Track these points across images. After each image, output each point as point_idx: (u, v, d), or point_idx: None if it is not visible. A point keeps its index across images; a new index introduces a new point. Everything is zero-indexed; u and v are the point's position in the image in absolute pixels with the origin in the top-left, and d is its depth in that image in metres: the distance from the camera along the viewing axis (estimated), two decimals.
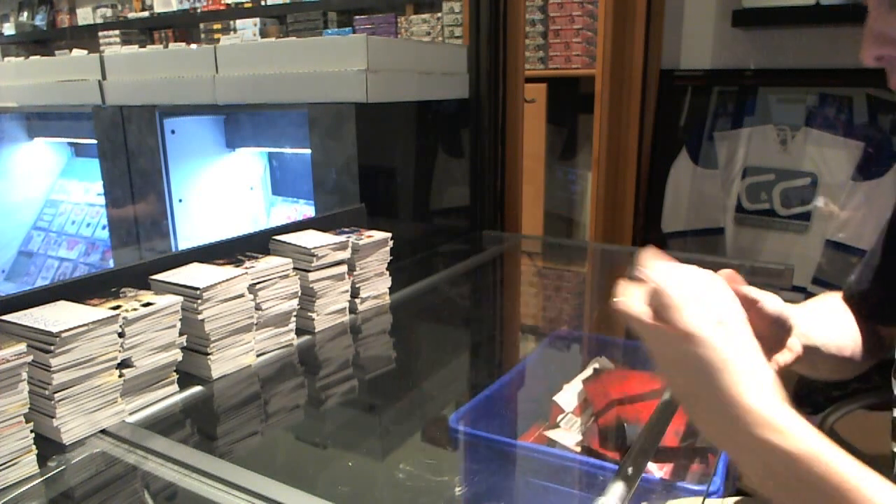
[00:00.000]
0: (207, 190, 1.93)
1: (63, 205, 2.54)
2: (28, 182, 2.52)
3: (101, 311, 0.82)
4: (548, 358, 1.22)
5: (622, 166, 1.97)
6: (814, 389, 0.97)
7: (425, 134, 1.68)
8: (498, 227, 1.93)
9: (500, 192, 1.92)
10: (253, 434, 0.90)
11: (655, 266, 0.61)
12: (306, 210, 1.98)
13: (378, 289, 1.27)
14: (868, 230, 1.72)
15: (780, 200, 1.84)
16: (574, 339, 1.32)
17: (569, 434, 0.93)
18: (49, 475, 0.75)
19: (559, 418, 0.96)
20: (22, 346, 0.73)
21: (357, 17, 3.46)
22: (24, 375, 0.73)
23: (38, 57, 2.96)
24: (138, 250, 1.93)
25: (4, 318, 0.79)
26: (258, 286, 1.01)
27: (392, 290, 1.30)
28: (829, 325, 0.80)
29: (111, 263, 2.25)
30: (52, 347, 0.75)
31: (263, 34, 3.70)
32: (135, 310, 0.85)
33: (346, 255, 1.17)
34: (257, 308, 1.02)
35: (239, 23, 3.83)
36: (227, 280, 0.96)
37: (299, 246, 1.12)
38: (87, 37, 4.49)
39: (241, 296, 0.98)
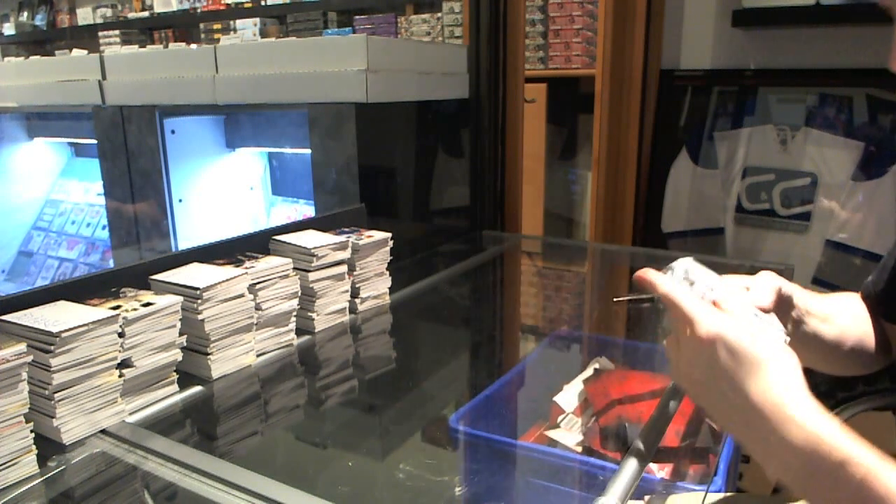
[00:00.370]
0: (207, 190, 1.93)
1: (63, 205, 2.54)
2: (28, 182, 2.52)
3: (101, 311, 0.82)
4: (548, 358, 1.22)
5: (622, 166, 1.97)
6: (819, 392, 0.98)
7: (425, 134, 1.68)
8: (498, 227, 1.93)
9: (500, 192, 1.92)
10: (253, 434, 0.90)
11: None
12: (306, 210, 1.98)
13: (378, 289, 1.27)
14: (868, 230, 1.72)
15: (780, 200, 1.84)
16: (574, 339, 1.32)
17: (569, 434, 0.93)
18: (49, 475, 0.75)
19: (559, 418, 0.96)
20: (22, 346, 0.73)
21: (357, 17, 3.46)
22: (24, 375, 0.73)
23: (38, 57, 2.96)
24: (138, 250, 1.93)
25: (4, 318, 0.79)
26: (258, 286, 1.01)
27: (392, 290, 1.30)
28: (835, 306, 0.82)
29: (111, 263, 2.25)
30: (52, 347, 0.75)
31: (263, 34, 3.70)
32: (135, 310, 0.85)
33: (346, 255, 1.17)
34: (257, 308, 1.01)
35: (239, 23, 3.83)
36: (227, 280, 0.96)
37: (299, 246, 1.11)
38: (87, 37, 4.48)
39: (241, 296, 0.98)
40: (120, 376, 0.83)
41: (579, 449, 0.89)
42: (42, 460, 0.76)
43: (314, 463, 0.88)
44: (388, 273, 1.28)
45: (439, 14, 3.19)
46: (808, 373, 0.59)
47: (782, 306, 0.71)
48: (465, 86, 1.81)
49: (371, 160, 1.46)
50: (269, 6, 3.74)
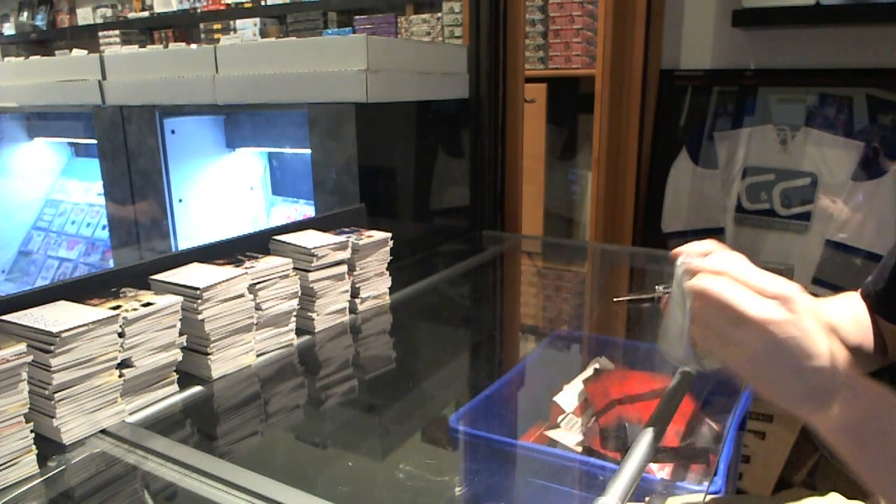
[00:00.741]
0: (207, 190, 1.93)
1: (63, 205, 2.54)
2: (28, 182, 2.52)
3: (101, 311, 0.82)
4: (548, 358, 1.22)
5: (622, 166, 1.97)
6: None
7: (425, 134, 1.68)
8: (498, 227, 1.93)
9: (500, 192, 1.92)
10: (253, 434, 0.90)
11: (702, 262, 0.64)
12: (306, 210, 1.98)
13: (378, 289, 1.27)
14: (868, 230, 1.72)
15: (780, 200, 1.84)
16: (574, 339, 1.32)
17: (569, 434, 0.93)
18: (49, 475, 0.75)
19: (559, 418, 0.96)
20: (22, 346, 0.73)
21: (357, 17, 3.46)
22: (24, 375, 0.73)
23: (38, 57, 2.96)
24: (138, 250, 1.93)
25: (4, 318, 0.79)
26: (258, 286, 1.01)
27: (392, 290, 1.30)
28: (839, 307, 0.83)
29: (111, 263, 2.25)
30: (52, 347, 0.75)
31: (263, 34, 3.70)
32: (135, 310, 0.85)
33: (346, 255, 1.17)
34: (257, 308, 1.01)
35: (239, 23, 3.83)
36: (227, 280, 0.96)
37: (299, 246, 1.12)
38: (87, 37, 4.49)
39: (241, 296, 0.98)
40: (120, 376, 0.83)
41: (579, 449, 0.89)
42: (42, 460, 0.76)
43: (314, 463, 0.88)
44: (388, 273, 1.28)
45: (439, 14, 3.19)
46: None
47: None
48: (465, 86, 1.81)
49: (371, 160, 1.46)
50: (269, 6, 3.74)
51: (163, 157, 1.81)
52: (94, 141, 1.98)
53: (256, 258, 1.06)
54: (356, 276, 1.21)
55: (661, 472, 0.81)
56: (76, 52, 2.15)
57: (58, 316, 0.79)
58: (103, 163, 1.95)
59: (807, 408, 0.57)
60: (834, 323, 0.79)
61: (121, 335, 0.83)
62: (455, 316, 1.42)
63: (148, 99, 1.78)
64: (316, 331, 1.14)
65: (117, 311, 0.83)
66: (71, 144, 2.55)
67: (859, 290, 0.89)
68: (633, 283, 1.68)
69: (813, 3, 1.68)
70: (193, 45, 2.03)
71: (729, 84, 1.93)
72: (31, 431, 0.74)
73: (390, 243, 1.27)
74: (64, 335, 0.76)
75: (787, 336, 0.55)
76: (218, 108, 1.69)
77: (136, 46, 2.47)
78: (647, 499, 0.76)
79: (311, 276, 1.11)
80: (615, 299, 1.36)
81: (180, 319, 0.90)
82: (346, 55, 1.42)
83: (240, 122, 1.93)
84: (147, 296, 0.90)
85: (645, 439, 0.69)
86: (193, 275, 0.97)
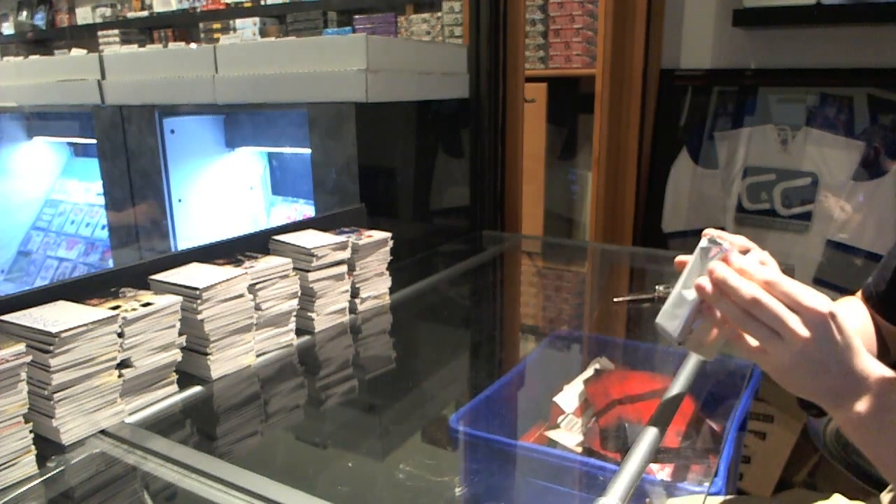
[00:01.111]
0: (207, 190, 1.93)
1: (63, 205, 2.53)
2: (28, 182, 2.52)
3: (101, 311, 0.82)
4: (548, 358, 1.22)
5: (622, 166, 1.97)
6: None
7: (425, 134, 1.68)
8: (498, 227, 1.92)
9: (500, 192, 1.92)
10: (253, 434, 0.90)
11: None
12: (306, 210, 1.97)
13: (378, 289, 1.27)
14: (869, 230, 1.72)
15: (780, 200, 1.84)
16: (574, 339, 1.32)
17: (569, 434, 0.92)
18: (48, 475, 0.75)
19: (560, 419, 0.96)
20: (21, 347, 0.72)
21: (357, 16, 3.46)
22: (24, 375, 0.73)
23: (37, 56, 2.96)
24: (138, 250, 1.93)
25: (4, 318, 0.79)
26: (258, 286, 1.01)
27: (392, 290, 1.30)
28: (847, 311, 0.83)
29: (111, 263, 2.25)
30: (51, 347, 0.75)
31: (263, 34, 3.70)
32: (134, 310, 0.85)
33: (346, 255, 1.17)
34: (257, 308, 1.01)
35: (239, 22, 3.83)
36: (227, 280, 0.96)
37: (299, 246, 1.11)
38: (86, 36, 4.48)
39: (241, 296, 0.98)
40: (119, 376, 0.83)
41: (579, 449, 0.89)
42: (41, 460, 0.76)
43: (314, 463, 0.88)
44: (388, 273, 1.28)
45: (439, 14, 3.19)
46: None
47: None
48: (465, 86, 1.81)
49: (371, 160, 1.46)
50: (269, 6, 3.74)
51: (162, 157, 1.80)
52: (93, 141, 1.97)
53: (256, 258, 1.06)
54: (356, 276, 1.21)
55: (661, 472, 0.81)
56: (75, 51, 2.15)
57: (57, 316, 0.79)
58: (103, 163, 1.95)
59: (827, 404, 0.61)
60: None
61: (120, 335, 0.83)
62: (455, 316, 1.42)
63: (148, 99, 1.78)
64: (316, 331, 1.14)
65: (117, 311, 0.82)
66: (70, 144, 2.55)
67: (860, 291, 0.89)
68: (633, 283, 1.68)
69: (813, 3, 1.68)
70: (193, 45, 2.03)
71: (729, 84, 1.93)
72: (31, 432, 0.74)
73: (390, 243, 1.26)
74: (63, 335, 0.76)
75: (817, 357, 0.59)
76: (218, 108, 1.69)
77: (136, 46, 2.47)
78: (647, 499, 0.76)
79: (311, 276, 1.11)
80: (615, 299, 1.36)
81: (180, 319, 0.90)
82: (345, 55, 1.42)
83: (240, 121, 1.93)
84: (147, 296, 0.90)
85: (645, 440, 0.69)
86: (193, 275, 0.97)
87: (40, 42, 4.92)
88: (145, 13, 4.27)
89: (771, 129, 1.85)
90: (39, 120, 2.37)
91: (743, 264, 0.64)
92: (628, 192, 1.98)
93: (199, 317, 0.93)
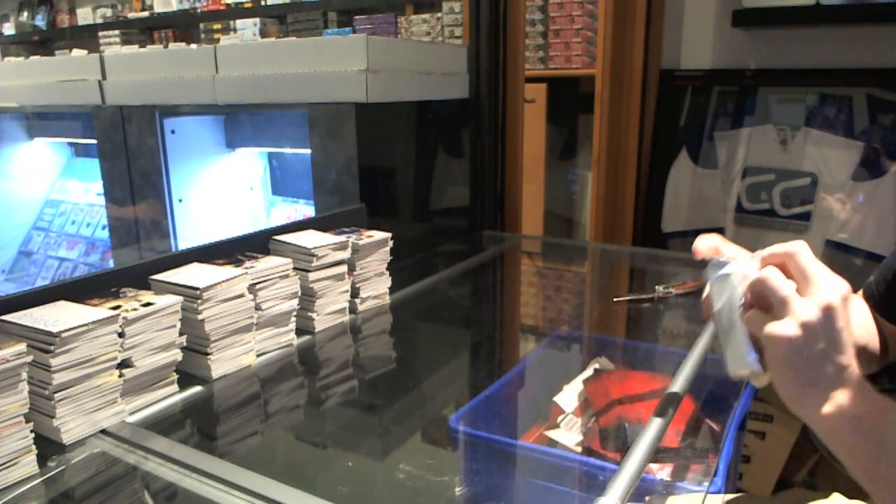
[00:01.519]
0: (207, 190, 1.93)
1: (63, 205, 2.54)
2: (28, 182, 2.52)
3: (101, 311, 0.82)
4: (548, 358, 1.22)
5: (622, 166, 1.97)
6: None
7: (425, 134, 1.68)
8: (498, 227, 1.93)
9: (500, 192, 1.92)
10: (253, 434, 0.90)
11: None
12: (306, 210, 1.98)
13: (378, 289, 1.27)
14: (868, 230, 1.72)
15: (780, 200, 1.84)
16: (574, 339, 1.32)
17: (569, 434, 0.93)
18: (49, 475, 0.75)
19: (559, 418, 0.96)
20: (22, 346, 0.73)
21: (357, 17, 3.46)
22: (24, 375, 0.73)
23: (38, 57, 2.96)
24: (138, 250, 1.93)
25: (4, 318, 0.79)
26: (258, 286, 1.01)
27: (392, 290, 1.30)
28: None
29: (111, 263, 2.25)
30: (52, 347, 0.75)
31: (263, 34, 3.70)
32: (135, 310, 0.85)
33: (346, 255, 1.17)
34: (257, 308, 1.01)
35: (239, 23, 3.83)
36: (227, 280, 0.96)
37: (299, 246, 1.11)
38: (87, 37, 4.49)
39: (241, 296, 0.98)
40: (120, 376, 0.83)
41: (579, 449, 0.89)
42: (42, 460, 0.76)
43: (314, 463, 0.88)
44: (388, 273, 1.28)
45: (439, 14, 3.19)
46: None
47: None
48: (465, 86, 1.81)
49: (371, 160, 1.46)
50: (269, 6, 3.74)
51: (163, 157, 1.81)
52: (93, 141, 1.98)
53: (256, 258, 1.06)
54: (356, 276, 1.21)
55: (661, 472, 0.81)
56: (76, 52, 2.15)
57: (58, 316, 0.79)
58: (103, 163, 1.95)
59: (823, 396, 0.59)
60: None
61: (121, 335, 0.83)
62: (455, 316, 1.42)
63: (148, 99, 1.78)
64: (316, 331, 1.14)
65: (117, 311, 0.83)
66: (71, 144, 2.55)
67: (861, 291, 0.89)
68: (633, 283, 1.68)
69: (813, 3, 1.69)
70: (193, 45, 2.03)
71: (729, 84, 1.93)
72: (31, 431, 0.74)
73: (390, 243, 1.27)
74: (64, 335, 0.76)
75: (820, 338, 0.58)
76: (218, 108, 1.69)
77: (136, 46, 2.47)
78: (647, 499, 0.76)
79: (311, 276, 1.11)
80: (615, 299, 1.36)
81: (180, 319, 0.90)
82: (346, 55, 1.42)
83: (240, 122, 1.93)
84: (147, 296, 0.90)
85: (645, 439, 0.69)
86: (193, 275, 0.97)
87: (41, 42, 4.92)
88: (146, 14, 4.27)
89: (771, 130, 1.85)
90: (40, 120, 2.37)
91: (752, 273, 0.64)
92: (628, 192, 1.98)
93: (200, 317, 0.93)
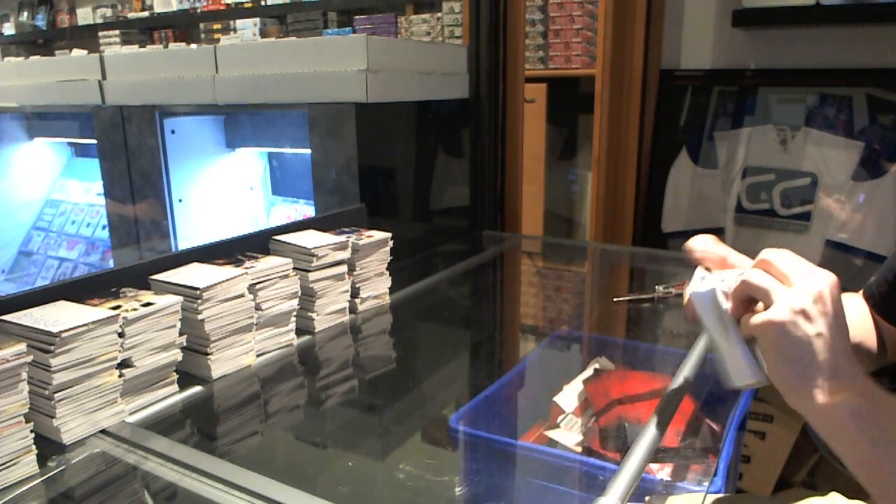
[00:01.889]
0: (207, 190, 1.93)
1: (63, 205, 2.54)
2: (28, 182, 2.52)
3: (101, 311, 0.82)
4: (548, 358, 1.22)
5: (622, 166, 1.97)
6: None
7: (425, 134, 1.68)
8: (498, 227, 1.93)
9: (500, 192, 1.92)
10: (253, 434, 0.90)
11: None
12: (306, 210, 1.98)
13: (378, 289, 1.27)
14: (868, 230, 1.72)
15: (780, 200, 1.84)
16: (574, 339, 1.32)
17: (569, 434, 0.93)
18: (49, 475, 0.75)
19: (559, 418, 0.96)
20: (22, 346, 0.73)
21: (357, 17, 3.46)
22: (24, 375, 0.73)
23: (38, 57, 2.96)
24: (138, 250, 1.93)
25: (4, 318, 0.79)
26: (258, 286, 1.01)
27: (392, 290, 1.30)
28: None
29: (111, 263, 2.25)
30: (52, 347, 0.75)
31: (263, 34, 3.70)
32: (135, 310, 0.85)
33: (346, 255, 1.17)
34: (257, 308, 1.01)
35: (239, 23, 3.83)
36: (227, 280, 0.96)
37: (299, 246, 1.12)
38: (87, 37, 4.49)
39: (241, 296, 0.98)
40: (120, 376, 0.83)
41: (579, 449, 0.90)
42: (42, 460, 0.76)
43: (314, 463, 0.88)
44: (388, 273, 1.28)
45: (439, 14, 3.19)
46: None
47: None
48: (465, 86, 1.81)
49: (371, 160, 1.46)
50: (269, 6, 3.74)
51: (163, 157, 1.81)
52: (94, 141, 1.98)
53: (256, 258, 1.06)
54: (356, 276, 1.21)
55: (661, 472, 0.81)
56: (76, 52, 2.15)
57: (58, 316, 0.79)
58: (103, 163, 1.95)
59: (819, 385, 0.58)
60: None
61: (121, 335, 0.83)
62: (455, 316, 1.42)
63: (148, 99, 1.78)
64: (316, 331, 1.14)
65: (117, 311, 0.83)
66: (71, 144, 2.55)
67: (861, 291, 0.89)
68: (633, 283, 1.68)
69: (813, 3, 1.69)
70: (193, 45, 2.03)
71: (729, 84, 1.93)
72: (31, 431, 0.74)
73: (390, 243, 1.27)
74: (64, 335, 0.76)
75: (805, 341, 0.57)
76: (218, 109, 1.69)
77: (136, 46, 2.47)
78: (647, 499, 0.76)
79: (311, 276, 1.11)
80: (615, 299, 1.36)
81: (180, 319, 0.90)
82: (346, 55, 1.42)
83: (240, 122, 1.93)
84: (147, 296, 0.90)
85: (645, 439, 0.69)
86: (193, 275, 0.97)
87: (41, 42, 4.92)
88: (146, 14, 4.27)
89: (771, 130, 1.85)
90: (40, 120, 2.37)
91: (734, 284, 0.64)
92: (628, 192, 1.98)
93: (200, 317, 0.93)
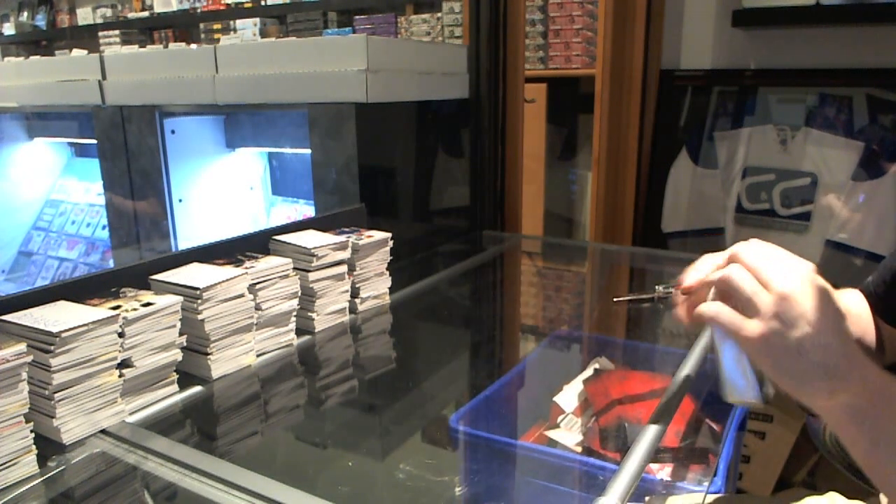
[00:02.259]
0: (207, 190, 1.93)
1: (63, 205, 2.54)
2: (28, 182, 2.52)
3: (101, 311, 0.82)
4: (548, 358, 1.22)
5: (622, 166, 1.97)
6: None
7: (425, 134, 1.68)
8: (498, 227, 1.93)
9: (500, 192, 1.92)
10: (253, 434, 0.90)
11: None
12: (306, 210, 1.98)
13: (378, 289, 1.27)
14: (868, 230, 1.72)
15: (780, 200, 1.84)
16: (574, 339, 1.32)
17: (569, 434, 0.93)
18: (49, 475, 0.75)
19: (559, 418, 0.96)
20: (22, 346, 0.73)
21: (357, 17, 3.46)
22: (24, 375, 0.73)
23: (38, 57, 2.96)
24: (138, 250, 1.93)
25: (4, 318, 0.79)
26: (258, 286, 1.01)
27: (392, 290, 1.30)
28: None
29: (111, 263, 2.25)
30: (52, 347, 0.75)
31: (263, 34, 3.70)
32: (135, 310, 0.85)
33: (346, 255, 1.17)
34: (257, 308, 1.01)
35: (239, 23, 3.83)
36: (227, 280, 0.96)
37: (299, 246, 1.12)
38: (87, 37, 4.49)
39: (241, 296, 0.98)
40: (120, 376, 0.83)
41: (579, 449, 0.90)
42: (42, 460, 0.76)
43: (314, 463, 0.88)
44: (388, 273, 1.28)
45: (439, 14, 3.19)
46: None
47: None
48: (465, 86, 1.81)
49: (371, 160, 1.46)
50: (269, 6, 3.74)
51: (163, 157, 1.81)
52: (94, 141, 1.98)
53: (256, 258, 1.06)
54: (356, 276, 1.21)
55: (661, 472, 0.81)
56: (76, 52, 2.15)
57: (58, 316, 0.79)
58: (103, 163, 1.95)
59: (817, 387, 0.58)
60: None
61: (121, 335, 0.83)
62: (455, 316, 1.42)
63: (148, 99, 1.78)
64: (316, 331, 1.14)
65: (117, 311, 0.83)
66: (71, 144, 2.55)
67: (859, 290, 0.89)
68: (633, 283, 1.68)
69: (813, 3, 1.68)
70: (193, 45, 2.03)
71: (729, 84, 1.93)
72: (31, 431, 0.74)
73: (390, 243, 1.27)
74: (64, 335, 0.76)
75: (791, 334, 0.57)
76: (218, 109, 1.69)
77: (136, 46, 2.47)
78: (647, 499, 0.76)
79: (311, 276, 1.11)
80: (615, 299, 1.36)
81: (180, 319, 0.90)
82: (346, 55, 1.42)
83: (240, 122, 1.93)
84: (147, 296, 0.90)
85: (645, 439, 0.69)
86: (193, 275, 0.97)
87: (41, 42, 4.92)
88: (146, 14, 4.27)
89: (771, 130, 1.85)
90: (40, 120, 2.37)
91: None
92: (628, 192, 1.98)
93: (200, 317, 0.93)
